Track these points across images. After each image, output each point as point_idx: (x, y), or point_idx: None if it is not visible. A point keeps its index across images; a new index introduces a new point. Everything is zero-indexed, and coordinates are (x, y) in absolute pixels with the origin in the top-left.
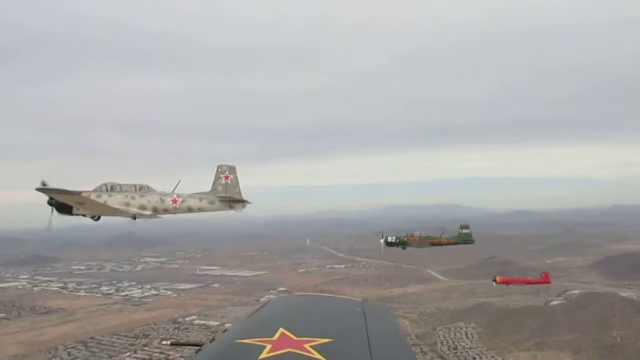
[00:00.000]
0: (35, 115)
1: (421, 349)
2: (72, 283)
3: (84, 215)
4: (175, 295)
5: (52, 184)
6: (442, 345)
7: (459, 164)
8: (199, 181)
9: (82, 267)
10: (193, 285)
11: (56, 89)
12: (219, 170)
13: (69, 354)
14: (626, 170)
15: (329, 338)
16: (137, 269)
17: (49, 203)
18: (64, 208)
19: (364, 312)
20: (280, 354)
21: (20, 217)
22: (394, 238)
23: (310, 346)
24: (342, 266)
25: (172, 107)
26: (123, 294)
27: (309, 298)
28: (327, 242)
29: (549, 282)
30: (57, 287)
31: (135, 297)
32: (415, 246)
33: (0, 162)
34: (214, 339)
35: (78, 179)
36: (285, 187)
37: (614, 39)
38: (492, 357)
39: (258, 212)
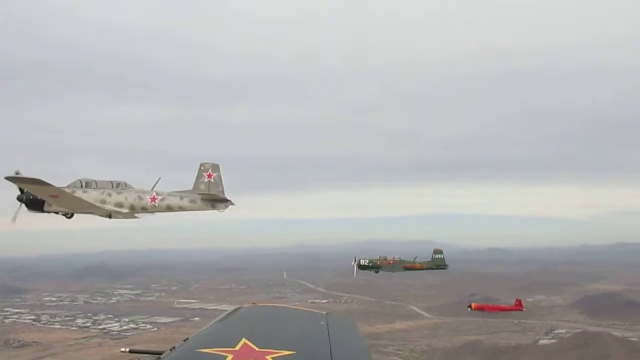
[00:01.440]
0: (21, 140)
1: None
2: (44, 315)
3: (56, 213)
4: (156, 329)
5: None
6: None
7: (435, 199)
8: (180, 181)
9: (54, 299)
10: (173, 319)
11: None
12: (202, 168)
13: None
14: (593, 211)
15: (291, 350)
16: (112, 301)
17: (19, 199)
18: (35, 204)
19: (327, 325)
20: None
21: None
22: (367, 261)
23: (272, 358)
24: (324, 301)
25: (149, 138)
26: (100, 327)
27: (273, 309)
28: (304, 276)
29: (521, 310)
30: (29, 319)
31: (113, 331)
32: (388, 270)
33: None
34: (174, 348)
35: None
36: (259, 219)
37: (595, 85)
38: None
39: (232, 244)
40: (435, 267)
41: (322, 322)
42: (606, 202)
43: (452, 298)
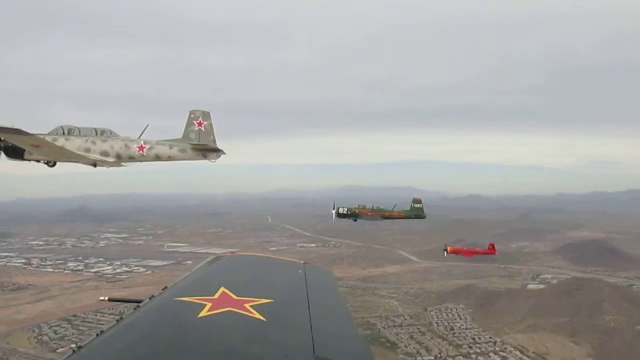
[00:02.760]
0: None
1: (418, 329)
2: (34, 259)
3: (37, 161)
4: (150, 272)
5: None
6: (438, 326)
7: (415, 147)
8: (166, 128)
9: (41, 243)
10: (165, 262)
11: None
12: (192, 115)
13: (55, 332)
14: (569, 160)
15: (269, 298)
16: (100, 245)
17: None
18: (14, 152)
19: (305, 274)
20: (220, 312)
21: None
22: (346, 209)
23: (251, 306)
24: (312, 245)
25: (134, 81)
26: (93, 270)
27: (251, 258)
28: (289, 221)
29: (494, 253)
30: (20, 262)
31: (107, 274)
32: (367, 219)
33: None
34: (153, 296)
35: None
36: (242, 165)
37: (574, 31)
38: (490, 338)
39: (213, 189)
40: (414, 217)
41: (300, 271)
42: (582, 152)
43: (438, 243)
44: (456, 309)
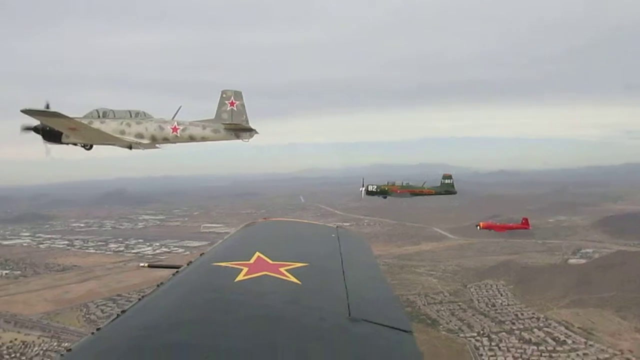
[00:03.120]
0: (26, 70)
1: (459, 305)
2: (77, 240)
3: (75, 144)
4: (188, 252)
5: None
6: (479, 302)
7: (444, 123)
8: (198, 109)
9: (82, 225)
10: (203, 243)
11: (37, 44)
12: (224, 95)
13: (102, 311)
14: (603, 132)
15: (304, 262)
16: (139, 226)
17: (35, 130)
18: (52, 135)
19: (338, 238)
20: (257, 276)
21: (3, 174)
22: (375, 187)
23: (286, 270)
24: (347, 224)
25: (165, 65)
26: (134, 251)
27: (285, 223)
28: (321, 200)
29: (528, 228)
30: (63, 244)
31: (147, 255)
32: (397, 196)
33: None
34: (190, 262)
35: None
36: (270, 145)
37: None
38: (534, 314)
39: (242, 170)
40: (444, 193)
41: (333, 235)
42: (616, 122)
43: (473, 220)
44: (496, 285)
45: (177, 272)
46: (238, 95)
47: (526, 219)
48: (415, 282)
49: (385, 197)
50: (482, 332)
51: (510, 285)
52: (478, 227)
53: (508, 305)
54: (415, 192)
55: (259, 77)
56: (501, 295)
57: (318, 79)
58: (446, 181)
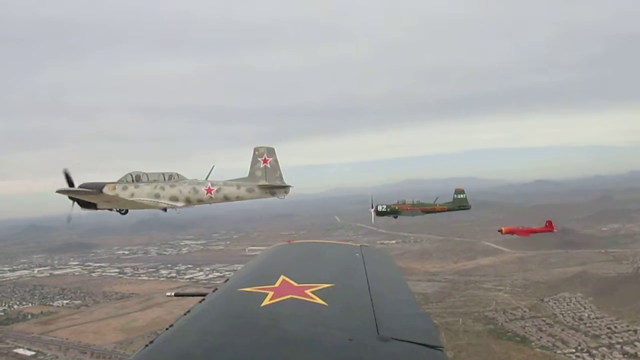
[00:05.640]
0: (48, 102)
1: (544, 320)
2: (127, 268)
3: (110, 210)
4: None
5: (73, 173)
6: (565, 317)
7: (473, 135)
8: (231, 166)
9: (126, 252)
10: None
11: (65, 74)
12: (256, 152)
13: None
14: (625, 137)
15: (329, 283)
16: (183, 252)
17: (71, 198)
18: (88, 204)
19: (363, 257)
20: (282, 300)
21: (40, 205)
22: (385, 207)
23: (312, 292)
24: (393, 242)
25: (185, 91)
26: (187, 277)
27: (308, 245)
28: (357, 218)
29: (553, 231)
30: (114, 272)
31: (202, 280)
32: (407, 214)
33: (17, 151)
34: (216, 289)
35: (94, 164)
36: (299, 166)
37: None
38: (628, 326)
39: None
40: (457, 208)
41: (357, 254)
42: None
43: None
44: (574, 298)
45: (203, 299)
46: (271, 151)
47: (549, 222)
48: (486, 298)
49: (396, 217)
50: (579, 347)
51: (589, 297)
52: (500, 233)
53: (596, 318)
54: (427, 209)
55: (286, 99)
56: (585, 308)
57: (349, 95)
58: (459, 196)
